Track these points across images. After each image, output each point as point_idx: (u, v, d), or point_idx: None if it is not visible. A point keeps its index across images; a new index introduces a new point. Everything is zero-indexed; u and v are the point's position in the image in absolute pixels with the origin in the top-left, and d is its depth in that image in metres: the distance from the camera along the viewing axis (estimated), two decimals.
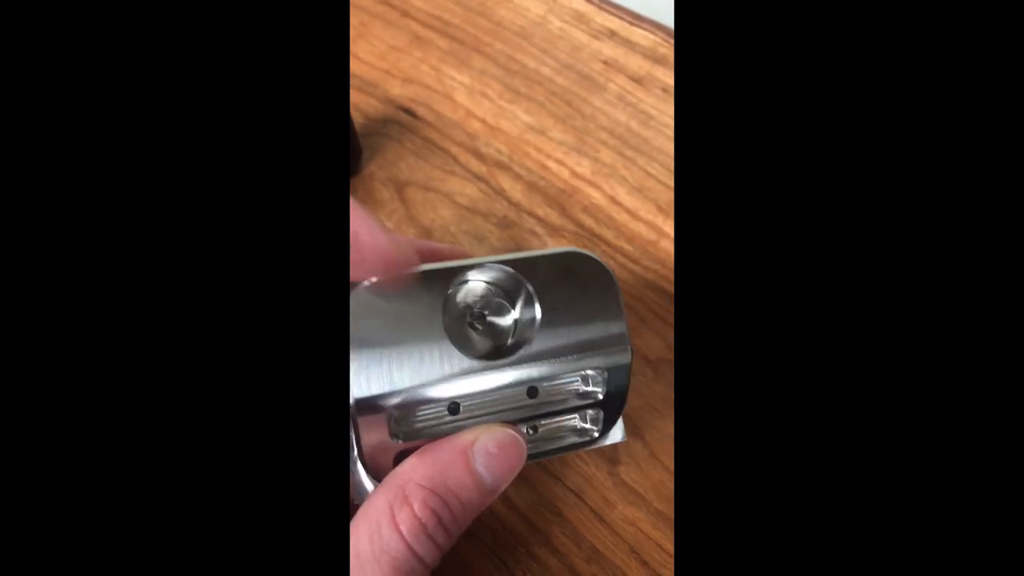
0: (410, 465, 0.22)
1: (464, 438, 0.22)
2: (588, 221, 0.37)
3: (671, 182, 0.38)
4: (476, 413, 0.24)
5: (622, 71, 0.42)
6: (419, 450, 0.22)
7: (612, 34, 0.43)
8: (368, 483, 0.23)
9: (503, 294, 0.25)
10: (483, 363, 0.23)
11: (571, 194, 0.38)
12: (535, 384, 0.24)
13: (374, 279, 0.22)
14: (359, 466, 0.22)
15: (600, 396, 0.26)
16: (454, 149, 0.40)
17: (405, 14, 0.46)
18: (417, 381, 0.22)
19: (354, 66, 0.44)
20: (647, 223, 0.37)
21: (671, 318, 0.34)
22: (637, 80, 0.41)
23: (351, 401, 0.21)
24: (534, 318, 0.24)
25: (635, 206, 0.37)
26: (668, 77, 0.41)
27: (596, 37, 0.43)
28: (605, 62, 0.42)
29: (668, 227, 0.36)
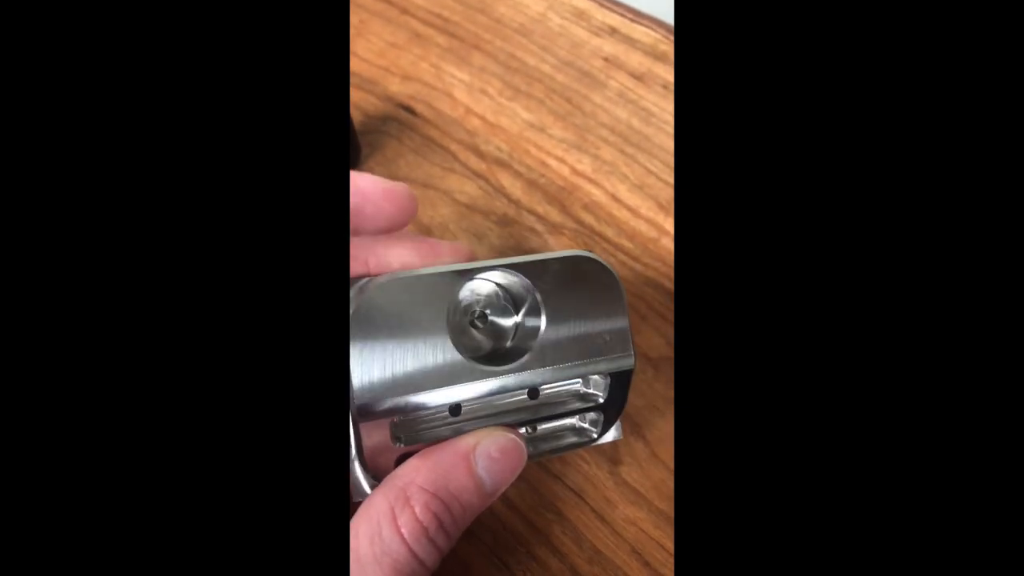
0: (412, 467, 0.22)
1: (466, 442, 0.22)
2: (588, 219, 0.37)
3: (672, 179, 0.37)
4: (477, 415, 0.24)
5: (623, 68, 0.42)
6: (421, 452, 0.22)
7: (613, 31, 0.43)
8: (364, 482, 0.23)
9: (508, 296, 0.25)
10: (488, 368, 0.23)
11: (571, 192, 0.38)
12: (537, 387, 0.24)
13: (382, 276, 0.22)
14: (356, 464, 0.22)
15: (601, 400, 0.25)
16: (453, 147, 0.40)
17: (404, 11, 0.46)
18: (421, 388, 0.22)
19: (353, 64, 0.44)
20: (648, 220, 0.36)
21: (672, 316, 0.34)
22: (638, 77, 0.41)
23: (353, 406, 0.21)
24: (539, 324, 0.23)
25: (636, 203, 0.37)
26: (669, 74, 0.41)
27: (596, 34, 0.43)
28: (605, 59, 0.42)
29: (669, 225, 0.36)
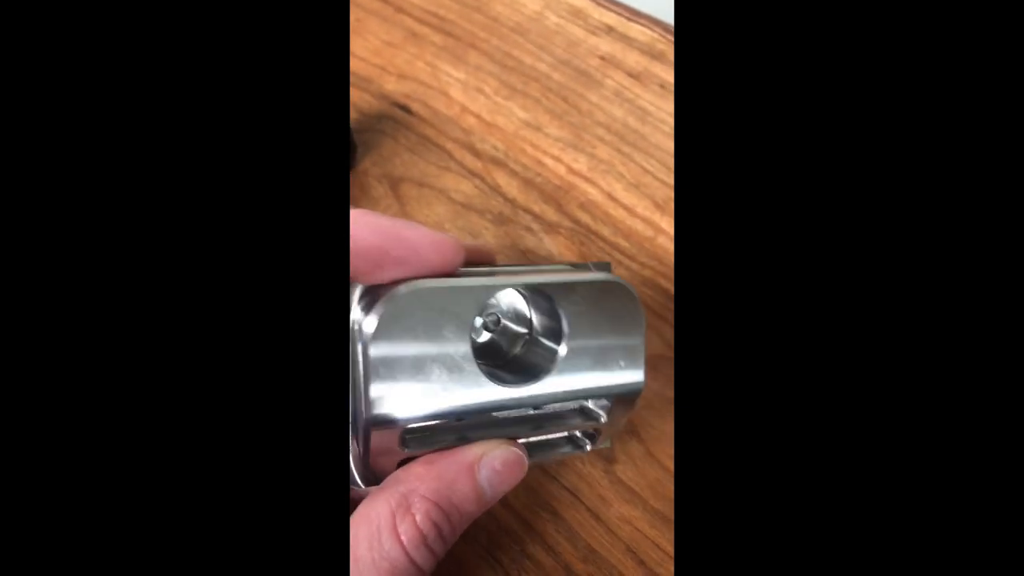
0: (415, 475, 0.22)
1: (472, 452, 0.22)
2: (584, 218, 0.37)
3: (668, 178, 0.37)
4: (481, 422, 0.24)
5: (619, 67, 0.41)
6: (425, 459, 0.22)
7: (609, 30, 0.43)
8: (356, 475, 0.22)
9: (529, 308, 0.25)
10: (507, 389, 0.22)
11: (567, 191, 0.38)
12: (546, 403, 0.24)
13: (408, 283, 0.21)
14: (351, 458, 0.22)
15: (603, 419, 0.25)
16: (449, 145, 0.40)
17: (400, 10, 0.46)
18: (440, 404, 0.21)
19: (350, 62, 0.44)
20: (644, 220, 0.36)
21: (668, 315, 0.34)
22: (635, 76, 0.41)
23: (369, 414, 0.20)
24: (558, 348, 0.23)
25: (632, 203, 0.37)
26: (666, 73, 0.41)
27: (593, 33, 0.43)
28: (602, 58, 0.42)
29: (665, 224, 0.36)
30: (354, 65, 0.44)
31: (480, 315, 0.24)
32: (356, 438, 0.21)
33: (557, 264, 0.26)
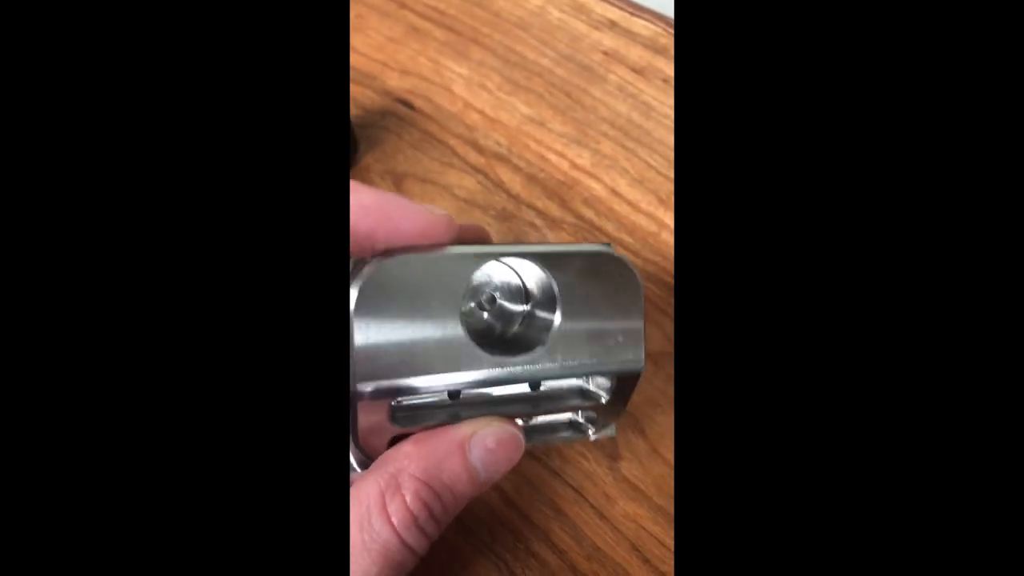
0: (404, 454, 0.21)
1: (462, 431, 0.22)
2: (588, 213, 0.37)
3: (672, 173, 0.37)
4: (475, 401, 0.23)
5: (623, 62, 0.41)
6: (415, 438, 0.22)
7: (612, 24, 0.43)
8: (352, 457, 0.22)
9: (522, 282, 0.24)
10: (497, 358, 0.22)
11: (571, 186, 0.38)
12: (542, 380, 0.24)
13: (397, 251, 0.21)
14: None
15: (604, 400, 0.25)
16: (452, 141, 0.40)
17: (402, 5, 0.46)
18: (427, 371, 0.21)
19: (351, 58, 0.44)
20: (648, 215, 0.36)
21: (671, 311, 0.33)
22: (638, 71, 0.41)
23: (353, 383, 0.20)
24: (552, 318, 0.23)
25: (636, 198, 0.37)
26: (669, 68, 0.40)
27: (596, 27, 0.43)
28: (605, 53, 0.42)
29: (669, 219, 0.36)
30: (356, 61, 0.44)
31: (474, 294, 0.24)
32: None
33: (554, 244, 0.25)
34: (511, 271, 0.24)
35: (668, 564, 0.28)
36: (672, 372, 0.32)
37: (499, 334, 0.25)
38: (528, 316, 0.25)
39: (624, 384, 0.24)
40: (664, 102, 0.39)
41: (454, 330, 0.21)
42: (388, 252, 0.20)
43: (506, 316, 0.25)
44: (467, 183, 0.38)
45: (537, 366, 0.22)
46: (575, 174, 0.38)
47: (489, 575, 0.28)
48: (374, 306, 0.20)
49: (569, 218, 0.37)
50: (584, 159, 0.38)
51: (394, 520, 0.20)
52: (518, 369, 0.22)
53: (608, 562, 0.28)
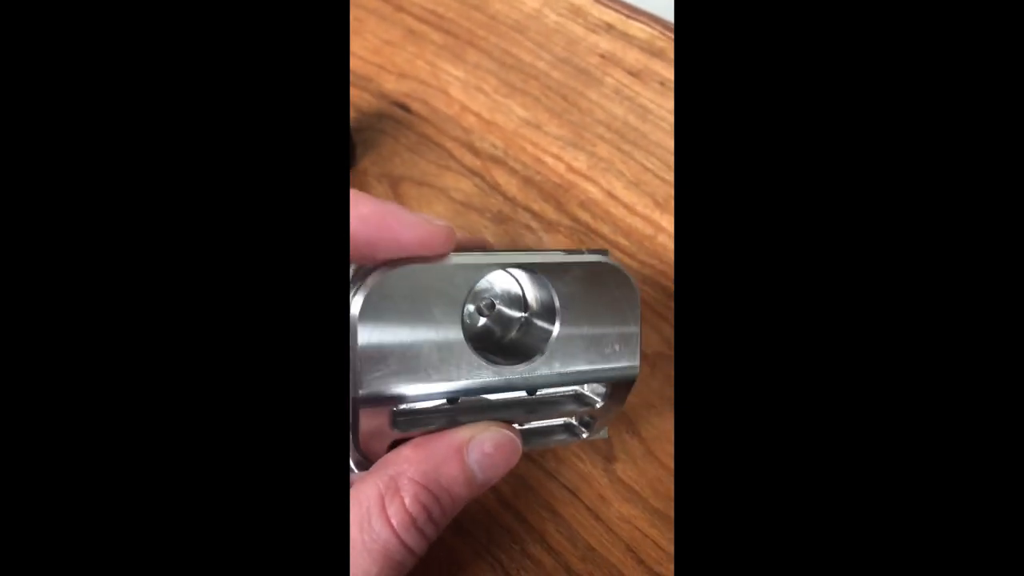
0: (403, 457, 0.22)
1: (460, 435, 0.22)
2: (584, 216, 0.37)
3: (668, 176, 0.37)
4: (472, 406, 0.24)
5: (619, 65, 0.41)
6: (414, 442, 0.22)
7: (609, 27, 0.43)
8: (351, 461, 0.23)
9: (522, 290, 0.25)
10: (498, 368, 0.22)
11: (567, 189, 0.38)
12: (539, 387, 0.24)
13: (401, 262, 0.21)
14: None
15: (599, 405, 0.25)
16: (449, 144, 0.40)
17: (399, 8, 0.46)
18: (430, 380, 0.21)
19: (349, 59, 0.44)
20: (644, 218, 0.36)
21: (668, 313, 0.33)
22: (634, 74, 0.41)
23: (356, 391, 0.20)
24: (552, 327, 0.23)
25: (632, 201, 0.37)
26: (666, 71, 0.40)
27: (593, 30, 0.43)
28: (602, 56, 0.42)
29: (665, 222, 0.36)
30: (353, 64, 0.44)
31: (474, 299, 0.24)
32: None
33: (552, 250, 0.26)
34: (511, 278, 0.25)
35: (663, 566, 0.28)
36: (668, 374, 0.32)
37: (497, 338, 0.26)
38: (526, 323, 0.25)
39: (619, 390, 0.25)
40: (661, 105, 0.40)
41: (456, 339, 0.21)
42: (392, 262, 0.21)
43: (504, 321, 0.25)
44: (463, 186, 0.38)
45: (535, 373, 0.23)
46: (571, 177, 0.38)
47: None
48: (378, 315, 0.20)
49: (565, 221, 0.37)
50: (580, 162, 0.38)
51: (393, 522, 0.21)
52: (517, 377, 0.23)
53: (603, 563, 0.28)
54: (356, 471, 0.23)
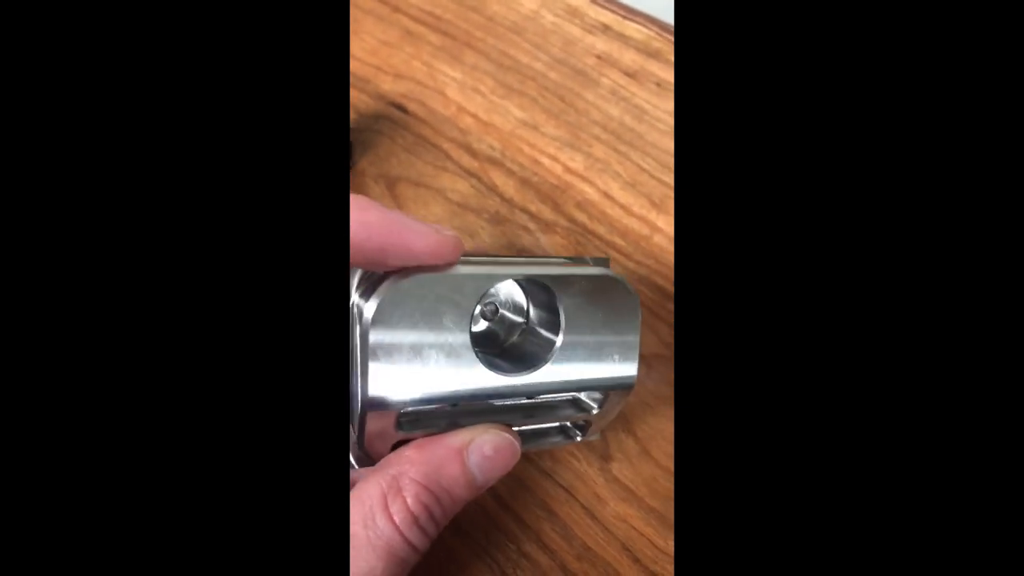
0: (406, 459, 0.22)
1: (461, 438, 0.23)
2: (581, 217, 0.37)
3: (665, 177, 0.37)
4: (474, 408, 0.24)
5: (615, 66, 0.42)
6: (415, 443, 0.23)
7: (605, 28, 0.43)
8: (353, 460, 0.23)
9: (527, 300, 0.26)
10: (503, 377, 0.23)
11: (564, 190, 0.38)
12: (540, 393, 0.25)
13: (410, 272, 0.21)
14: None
15: (595, 411, 0.26)
16: (446, 145, 0.40)
17: (396, 9, 0.46)
18: (437, 389, 0.22)
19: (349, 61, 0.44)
20: (640, 218, 0.36)
21: (664, 314, 0.34)
22: (631, 75, 0.41)
23: (366, 397, 0.21)
24: (555, 338, 0.24)
25: (628, 201, 0.37)
26: (662, 71, 0.41)
27: (589, 31, 0.43)
28: (598, 57, 0.42)
29: (661, 222, 0.36)
30: (351, 65, 0.44)
31: (479, 304, 0.25)
32: (352, 420, 0.22)
33: (555, 257, 0.27)
34: (516, 286, 0.26)
35: (659, 564, 0.28)
36: (664, 373, 0.32)
37: (499, 342, 0.27)
38: (528, 328, 0.26)
39: (616, 397, 0.26)
40: (657, 105, 0.40)
41: (464, 346, 0.22)
42: (404, 271, 0.21)
43: (507, 325, 0.26)
44: (460, 187, 0.39)
45: (538, 381, 0.24)
46: (568, 178, 0.38)
47: None
48: (390, 321, 0.21)
49: (562, 222, 0.37)
50: (577, 163, 0.39)
51: (396, 519, 0.21)
52: (520, 384, 0.23)
53: (598, 562, 0.28)
54: (357, 467, 0.23)
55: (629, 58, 0.41)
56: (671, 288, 0.34)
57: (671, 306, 0.34)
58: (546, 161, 0.39)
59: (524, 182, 0.38)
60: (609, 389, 0.25)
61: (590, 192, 0.38)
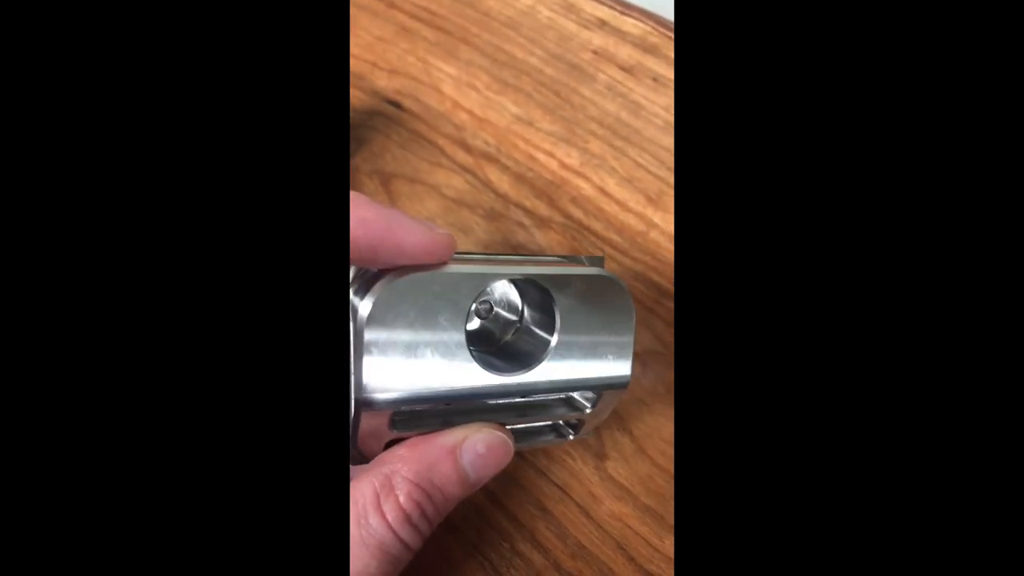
0: (398, 456, 0.22)
1: (454, 436, 0.23)
2: (577, 213, 0.37)
3: (661, 173, 0.37)
4: (468, 407, 0.24)
5: (612, 61, 0.41)
6: (408, 441, 0.23)
7: (602, 23, 0.43)
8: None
9: (521, 299, 0.25)
10: (498, 377, 0.23)
11: (559, 185, 0.38)
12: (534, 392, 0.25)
13: (406, 270, 0.21)
14: None
15: (588, 410, 0.26)
16: (441, 141, 0.40)
17: (391, 5, 0.46)
18: (432, 388, 0.22)
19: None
20: (636, 214, 0.36)
21: (660, 310, 0.33)
22: (627, 70, 0.41)
23: (360, 397, 0.21)
24: (550, 337, 0.24)
25: (624, 197, 0.37)
26: (658, 66, 0.40)
27: (585, 26, 0.43)
28: (595, 52, 0.42)
29: (658, 218, 0.36)
30: None
31: (474, 302, 0.25)
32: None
33: (550, 256, 0.27)
34: (511, 284, 0.26)
35: (654, 563, 0.28)
36: (659, 371, 0.32)
37: (494, 340, 0.26)
38: (522, 326, 0.26)
39: (609, 396, 0.26)
40: (654, 101, 0.39)
41: (460, 346, 0.22)
42: (399, 270, 0.21)
43: (501, 323, 0.26)
44: (455, 183, 0.38)
45: (532, 380, 0.24)
46: (564, 173, 0.38)
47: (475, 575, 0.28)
48: (385, 321, 0.21)
49: (557, 217, 0.37)
50: (573, 158, 0.38)
51: (389, 517, 0.21)
52: (515, 383, 0.23)
53: (593, 561, 0.28)
54: (350, 465, 0.23)
55: (625, 53, 0.41)
56: (667, 284, 0.34)
57: (667, 303, 0.33)
58: (542, 157, 0.39)
59: (519, 178, 0.38)
60: (604, 388, 0.25)
61: (586, 188, 0.37)
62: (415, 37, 0.44)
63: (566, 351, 0.24)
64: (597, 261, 0.26)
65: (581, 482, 0.30)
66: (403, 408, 0.22)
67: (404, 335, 0.21)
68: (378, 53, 0.44)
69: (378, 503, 0.21)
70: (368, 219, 0.20)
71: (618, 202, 0.37)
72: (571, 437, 0.27)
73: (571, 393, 0.26)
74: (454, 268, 0.22)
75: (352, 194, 0.21)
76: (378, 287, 0.21)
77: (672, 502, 0.29)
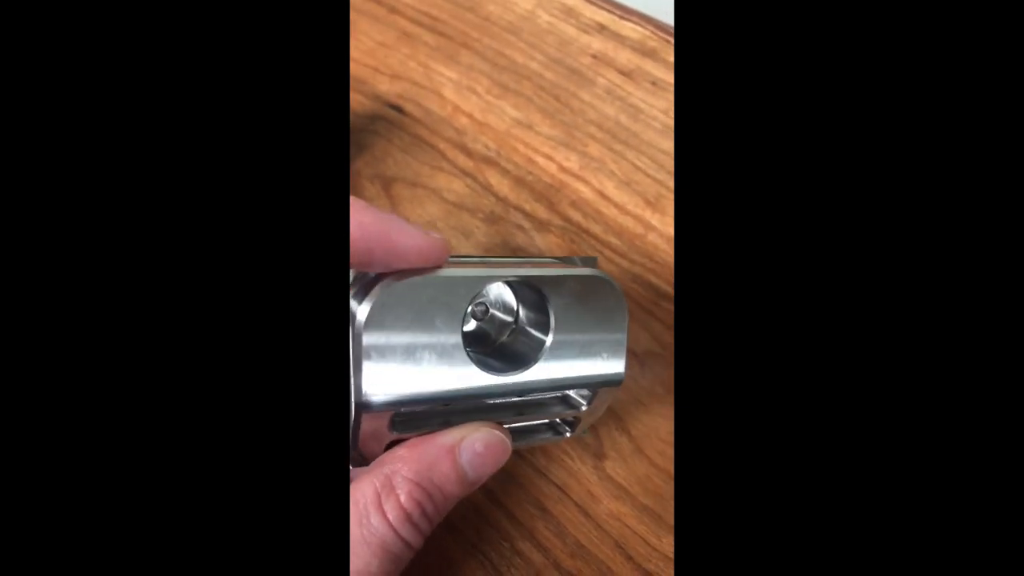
0: (398, 457, 0.23)
1: (452, 436, 0.23)
2: (576, 216, 0.37)
3: (660, 176, 0.37)
4: (466, 407, 0.25)
5: (611, 65, 0.42)
6: (408, 442, 0.23)
7: (601, 28, 0.43)
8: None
9: (516, 300, 0.26)
10: (494, 377, 0.23)
11: (559, 189, 0.38)
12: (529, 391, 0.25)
13: (404, 274, 0.22)
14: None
15: (584, 408, 0.26)
16: (442, 145, 0.40)
17: (393, 10, 0.46)
18: (430, 389, 0.22)
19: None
20: (635, 217, 0.36)
21: (658, 311, 0.34)
22: (626, 74, 0.41)
23: (359, 399, 0.21)
24: (545, 338, 0.24)
25: (623, 200, 0.37)
26: (657, 71, 0.41)
27: (585, 31, 0.43)
28: (594, 56, 0.42)
29: (656, 221, 0.36)
30: None
31: (470, 304, 0.25)
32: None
33: (544, 257, 0.27)
34: (505, 286, 0.26)
35: (652, 562, 0.28)
36: (658, 372, 0.32)
37: (490, 341, 0.27)
38: (518, 327, 0.26)
39: (604, 394, 0.26)
40: (652, 104, 0.40)
41: (456, 348, 0.22)
42: (396, 273, 0.21)
43: (497, 325, 0.26)
44: (456, 186, 0.39)
45: (529, 379, 0.24)
46: (563, 177, 0.38)
47: (475, 575, 0.29)
48: (383, 324, 0.21)
49: (557, 221, 0.37)
50: (572, 162, 0.39)
51: (390, 517, 0.21)
52: (511, 383, 0.24)
53: (592, 559, 0.28)
54: (351, 467, 0.23)
55: (625, 57, 0.42)
56: (665, 286, 0.34)
57: (665, 304, 0.34)
58: (541, 160, 0.39)
59: (519, 181, 0.38)
60: (598, 386, 0.25)
61: (585, 191, 0.38)
62: (416, 42, 0.44)
63: (561, 350, 0.24)
64: (590, 262, 0.26)
65: (580, 482, 0.30)
66: (402, 410, 0.22)
67: (402, 338, 0.21)
68: (380, 58, 0.44)
69: (379, 503, 0.22)
70: (365, 223, 0.21)
71: (617, 205, 0.37)
72: (568, 434, 0.27)
73: (567, 391, 0.26)
74: (450, 271, 0.22)
75: (354, 199, 0.21)
76: (376, 291, 0.21)
77: (670, 501, 0.29)
